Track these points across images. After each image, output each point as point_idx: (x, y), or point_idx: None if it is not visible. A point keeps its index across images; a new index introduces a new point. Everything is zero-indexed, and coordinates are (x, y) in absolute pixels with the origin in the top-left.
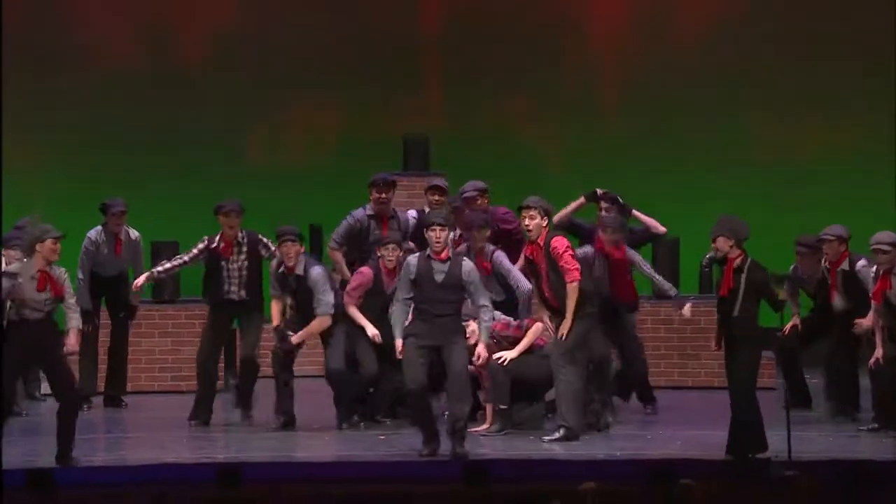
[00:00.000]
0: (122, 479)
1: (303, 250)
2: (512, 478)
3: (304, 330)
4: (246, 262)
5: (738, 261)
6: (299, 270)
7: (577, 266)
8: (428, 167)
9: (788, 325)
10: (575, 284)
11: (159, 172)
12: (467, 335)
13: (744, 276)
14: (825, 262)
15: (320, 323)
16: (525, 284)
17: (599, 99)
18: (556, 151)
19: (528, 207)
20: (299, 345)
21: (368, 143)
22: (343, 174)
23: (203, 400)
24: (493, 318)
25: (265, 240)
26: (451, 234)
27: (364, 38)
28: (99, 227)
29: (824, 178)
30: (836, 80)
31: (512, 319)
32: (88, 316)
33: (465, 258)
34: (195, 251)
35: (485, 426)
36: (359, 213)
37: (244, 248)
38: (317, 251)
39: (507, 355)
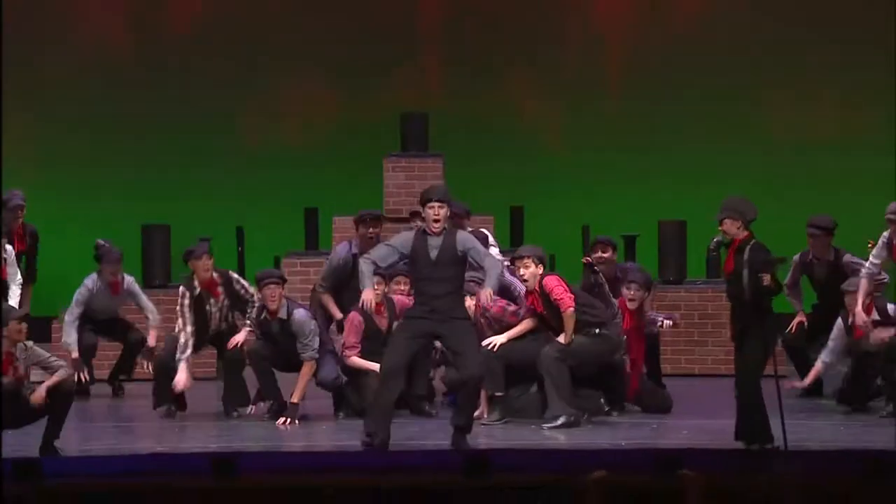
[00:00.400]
0: (113, 470)
1: (285, 293)
2: (513, 468)
3: (299, 384)
4: (227, 301)
5: (741, 242)
6: (282, 314)
7: (571, 294)
8: (427, 146)
9: (795, 322)
10: (570, 311)
11: (150, 154)
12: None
13: (745, 257)
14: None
15: (308, 370)
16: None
17: (603, 76)
18: (558, 130)
19: (522, 257)
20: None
21: (365, 122)
22: (339, 153)
23: (162, 389)
24: (503, 273)
25: (237, 277)
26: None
27: (361, 12)
28: (94, 276)
29: (836, 158)
30: (846, 58)
31: (511, 305)
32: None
33: (458, 229)
34: (186, 309)
35: (477, 412)
36: (342, 250)
37: (221, 289)
38: (313, 233)
39: (497, 340)
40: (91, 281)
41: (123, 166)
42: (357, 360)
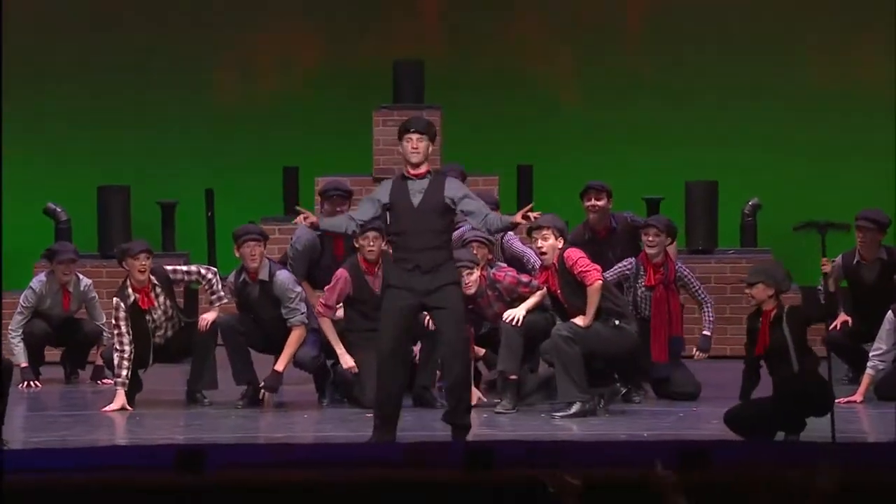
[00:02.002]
0: (64, 464)
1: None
2: (520, 462)
3: (284, 352)
4: (167, 301)
5: (773, 313)
6: (263, 275)
7: (597, 266)
8: (422, 98)
9: (838, 322)
10: (598, 285)
11: (108, 109)
12: (467, 283)
13: (785, 325)
14: None
15: (298, 336)
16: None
17: (622, 21)
18: (569, 81)
19: (541, 228)
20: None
21: (352, 73)
22: (322, 106)
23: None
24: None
25: (174, 268)
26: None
27: None
28: (43, 277)
29: (878, 119)
30: (880, 8)
31: (523, 276)
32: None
33: (447, 175)
34: (122, 322)
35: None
36: (306, 232)
37: (159, 290)
38: (293, 196)
39: (517, 314)
40: (38, 283)
41: (77, 122)
42: (329, 328)
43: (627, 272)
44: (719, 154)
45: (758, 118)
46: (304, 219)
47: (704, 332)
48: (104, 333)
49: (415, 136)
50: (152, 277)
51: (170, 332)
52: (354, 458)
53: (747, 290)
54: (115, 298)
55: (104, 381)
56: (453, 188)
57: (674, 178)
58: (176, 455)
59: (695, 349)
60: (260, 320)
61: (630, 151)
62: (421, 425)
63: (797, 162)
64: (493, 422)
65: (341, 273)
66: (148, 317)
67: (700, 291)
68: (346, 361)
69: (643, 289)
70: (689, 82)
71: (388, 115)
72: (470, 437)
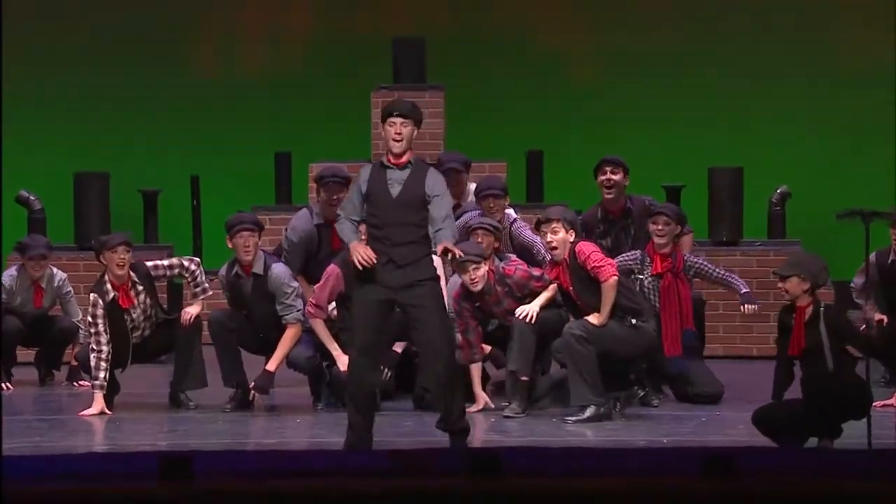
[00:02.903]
0: (39, 473)
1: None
2: (530, 471)
3: (278, 352)
4: (148, 299)
5: (809, 310)
6: (257, 269)
7: (611, 261)
8: (424, 78)
9: (875, 318)
10: (613, 281)
11: (86, 90)
12: (473, 280)
13: (822, 325)
14: None
15: (293, 335)
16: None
17: None
18: (583, 59)
19: (549, 221)
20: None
21: (347, 49)
22: (317, 87)
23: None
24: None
25: (156, 263)
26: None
27: None
28: (13, 271)
29: None
30: None
31: (535, 269)
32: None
33: (431, 166)
34: (100, 321)
35: (476, 407)
36: (303, 222)
37: (140, 287)
38: (285, 184)
39: (531, 310)
40: (9, 278)
41: (51, 104)
42: (321, 329)
43: (631, 264)
44: (745, 138)
45: (787, 99)
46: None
47: (742, 291)
48: (80, 331)
49: (398, 121)
50: (132, 274)
51: (147, 332)
52: (351, 467)
53: (780, 284)
54: (92, 294)
55: (80, 382)
56: (433, 183)
57: (696, 164)
58: (159, 463)
59: (743, 306)
60: (252, 317)
61: (649, 135)
62: (422, 430)
63: (829, 146)
64: (500, 426)
65: (332, 269)
66: (127, 316)
67: (717, 270)
68: (342, 362)
69: (650, 278)
70: (714, 60)
71: (387, 96)
72: (476, 443)
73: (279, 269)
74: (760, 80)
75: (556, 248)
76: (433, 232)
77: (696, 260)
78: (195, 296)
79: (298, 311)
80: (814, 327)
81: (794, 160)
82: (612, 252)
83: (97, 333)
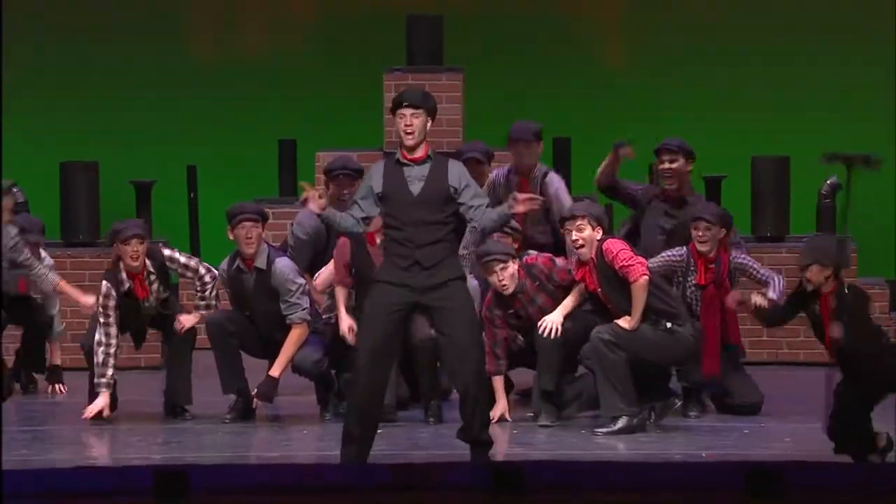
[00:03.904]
0: (23, 489)
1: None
2: (557, 486)
3: (282, 355)
4: (161, 287)
5: (833, 296)
6: (260, 263)
7: (641, 259)
8: (441, 59)
9: None
10: (643, 281)
11: (76, 76)
12: (502, 281)
13: (846, 307)
14: None
15: (298, 336)
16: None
17: None
18: (614, 38)
19: (574, 217)
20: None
21: (357, 27)
22: (324, 70)
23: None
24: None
25: (171, 254)
26: None
27: None
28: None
29: None
30: None
31: (558, 257)
32: None
33: (449, 157)
34: (112, 312)
35: (496, 413)
36: (309, 219)
37: (154, 277)
38: (290, 174)
39: (554, 322)
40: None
41: (36, 90)
42: (343, 294)
43: (676, 264)
44: (791, 124)
45: (837, 80)
46: (309, 200)
47: (774, 296)
48: (55, 326)
49: (408, 112)
50: (148, 263)
51: (156, 314)
52: (361, 482)
53: (802, 274)
54: (104, 283)
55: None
56: (457, 175)
57: (738, 153)
58: (154, 477)
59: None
60: (255, 316)
61: (686, 121)
62: (438, 442)
63: (884, 133)
64: (525, 438)
65: (343, 241)
66: (139, 307)
67: (763, 271)
68: (345, 323)
69: (693, 286)
70: (756, 38)
71: (401, 79)
72: (498, 456)
73: (284, 264)
74: (808, 60)
75: (582, 246)
76: (479, 218)
77: (741, 260)
78: (197, 308)
79: (304, 309)
80: (842, 311)
81: (846, 148)
82: (668, 239)
83: (107, 324)
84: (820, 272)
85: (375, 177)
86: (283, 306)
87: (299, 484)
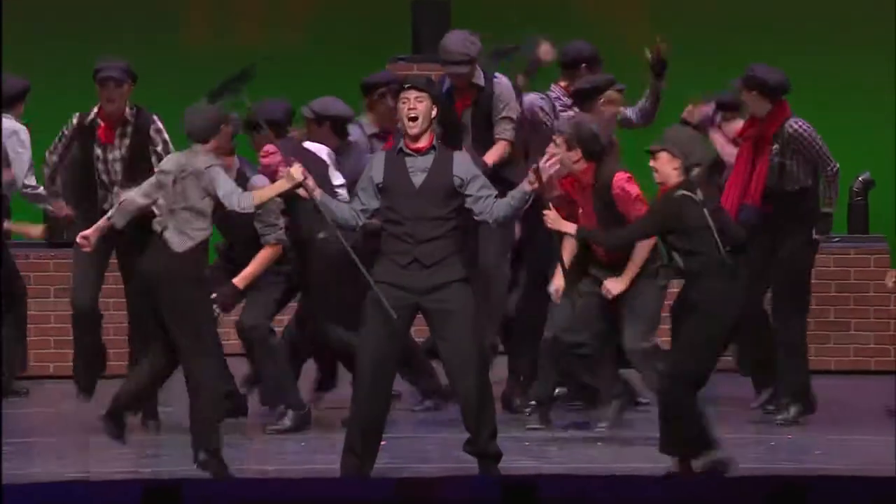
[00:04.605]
0: None
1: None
2: (569, 500)
3: (248, 268)
4: (128, 153)
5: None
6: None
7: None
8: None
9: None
10: (648, 242)
11: (62, 75)
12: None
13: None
14: None
15: (271, 255)
16: None
17: None
18: (636, 25)
19: (562, 132)
20: (241, 293)
21: (362, 15)
22: (325, 60)
23: (85, 365)
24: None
25: (161, 126)
26: None
27: None
28: None
29: None
30: None
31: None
32: None
33: (455, 148)
34: (66, 135)
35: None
36: (357, 132)
37: (129, 131)
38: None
39: (616, 287)
40: None
41: (23, 76)
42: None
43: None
44: (820, 117)
45: (868, 69)
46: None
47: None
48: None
49: (412, 95)
50: (132, 117)
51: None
52: (362, 496)
53: (651, 163)
54: (76, 114)
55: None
56: (464, 166)
57: None
58: (143, 492)
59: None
60: (226, 228)
61: None
62: (444, 454)
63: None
64: (536, 450)
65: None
66: (100, 152)
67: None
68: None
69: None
70: (785, 26)
71: (406, 69)
72: (509, 469)
73: (259, 182)
74: (838, 49)
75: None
76: (488, 211)
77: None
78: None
79: (281, 230)
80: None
81: (879, 143)
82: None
83: (54, 145)
84: (669, 162)
85: (376, 167)
86: (258, 227)
87: (296, 499)
